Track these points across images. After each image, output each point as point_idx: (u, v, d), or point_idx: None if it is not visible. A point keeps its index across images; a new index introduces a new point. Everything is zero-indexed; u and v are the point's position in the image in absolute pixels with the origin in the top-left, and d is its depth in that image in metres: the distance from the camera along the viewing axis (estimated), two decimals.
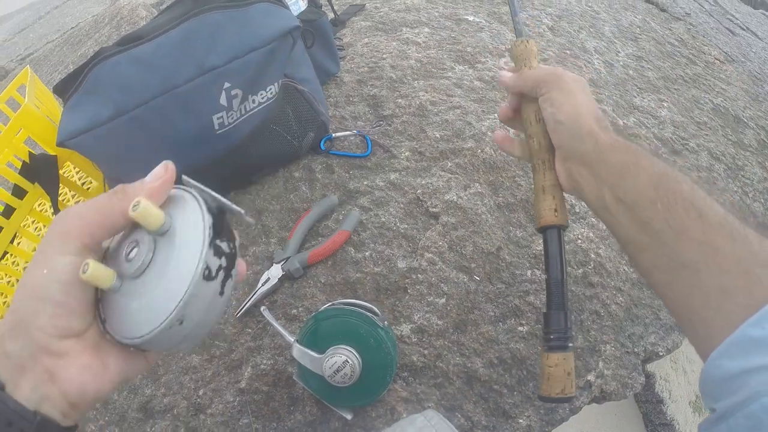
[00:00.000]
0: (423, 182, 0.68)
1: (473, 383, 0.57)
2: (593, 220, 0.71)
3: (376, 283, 0.61)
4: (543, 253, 0.49)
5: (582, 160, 0.44)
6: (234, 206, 0.30)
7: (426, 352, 0.57)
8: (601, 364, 0.60)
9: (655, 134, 0.88)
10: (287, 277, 0.62)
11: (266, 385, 0.59)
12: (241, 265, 0.32)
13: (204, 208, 0.30)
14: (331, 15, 0.93)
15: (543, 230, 0.49)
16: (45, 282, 0.28)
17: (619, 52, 1.02)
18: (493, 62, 0.87)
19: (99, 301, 0.30)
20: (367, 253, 0.62)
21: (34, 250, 0.83)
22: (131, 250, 0.30)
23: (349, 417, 0.53)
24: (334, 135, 0.72)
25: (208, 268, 0.28)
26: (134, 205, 0.28)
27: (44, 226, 0.87)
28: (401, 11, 0.99)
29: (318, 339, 0.50)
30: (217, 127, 0.61)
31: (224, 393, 0.60)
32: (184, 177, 0.32)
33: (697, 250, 0.36)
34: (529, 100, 0.50)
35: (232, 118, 0.62)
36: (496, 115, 0.76)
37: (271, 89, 0.63)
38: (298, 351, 0.50)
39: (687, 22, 1.21)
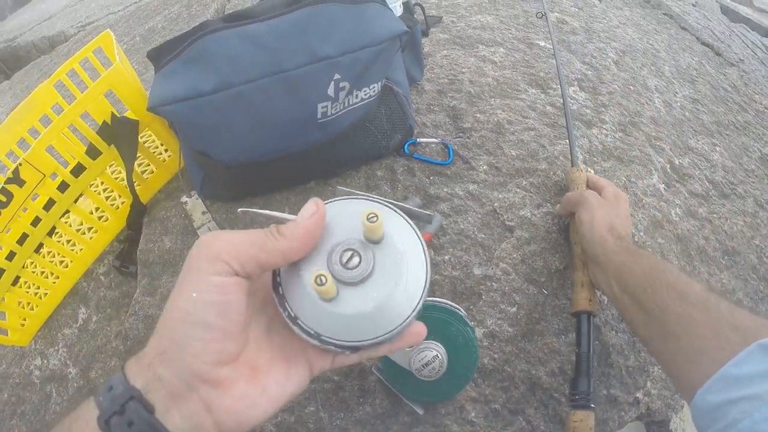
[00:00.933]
0: (500, 196, 0.71)
1: (536, 389, 0.61)
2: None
3: (453, 285, 0.65)
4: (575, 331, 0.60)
5: (596, 261, 0.57)
6: (422, 211, 0.33)
7: (496, 356, 0.61)
8: (648, 383, 0.65)
9: (707, 176, 0.92)
10: None
11: (337, 374, 0.62)
12: None
13: (403, 214, 0.32)
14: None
15: (577, 314, 0.60)
16: (196, 305, 0.26)
17: (677, 92, 1.06)
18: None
19: (294, 319, 0.29)
20: (446, 257, 0.66)
21: (91, 213, 0.85)
22: (348, 260, 0.30)
23: (420, 412, 0.57)
24: (418, 140, 0.76)
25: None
26: (370, 216, 0.29)
27: (108, 189, 0.87)
28: (477, 28, 1.03)
29: None
30: (320, 116, 0.64)
31: None
32: (339, 188, 0.34)
33: (677, 322, 0.45)
34: (574, 217, 0.64)
35: (336, 110, 0.65)
36: (567, 141, 0.80)
37: (374, 87, 0.66)
38: None
39: (740, 68, 1.25)
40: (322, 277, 0.28)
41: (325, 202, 0.32)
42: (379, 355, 0.32)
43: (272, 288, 0.31)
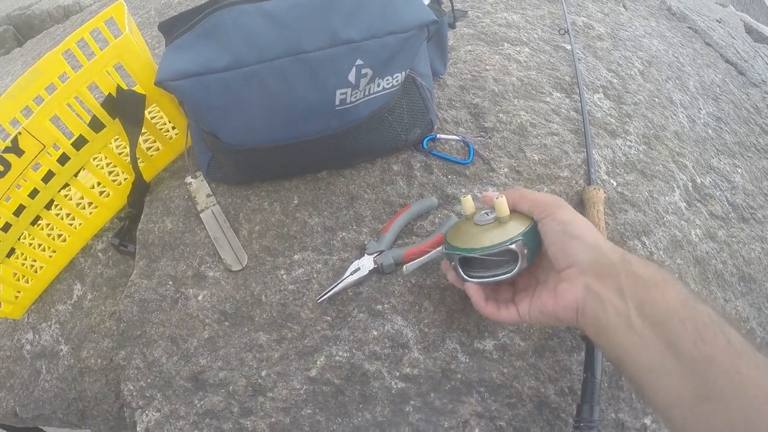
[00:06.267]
0: None
1: (543, 408, 0.58)
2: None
3: (465, 293, 0.61)
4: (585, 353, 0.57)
5: (602, 272, 0.41)
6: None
7: (505, 370, 0.58)
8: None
9: (728, 198, 0.90)
10: (377, 271, 0.62)
11: (339, 378, 0.58)
12: None
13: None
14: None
15: (587, 338, 0.58)
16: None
17: (701, 109, 1.03)
18: (588, 96, 0.88)
19: None
20: None
21: (93, 187, 0.81)
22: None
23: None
24: (438, 136, 0.72)
25: None
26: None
27: (111, 164, 0.84)
28: (502, 26, 0.99)
29: None
30: (337, 103, 0.60)
31: (291, 379, 0.59)
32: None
33: (725, 379, 0.33)
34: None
35: (355, 98, 0.61)
36: (592, 150, 0.77)
37: (397, 77, 0.62)
38: None
39: (762, 89, 1.23)
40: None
41: None
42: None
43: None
